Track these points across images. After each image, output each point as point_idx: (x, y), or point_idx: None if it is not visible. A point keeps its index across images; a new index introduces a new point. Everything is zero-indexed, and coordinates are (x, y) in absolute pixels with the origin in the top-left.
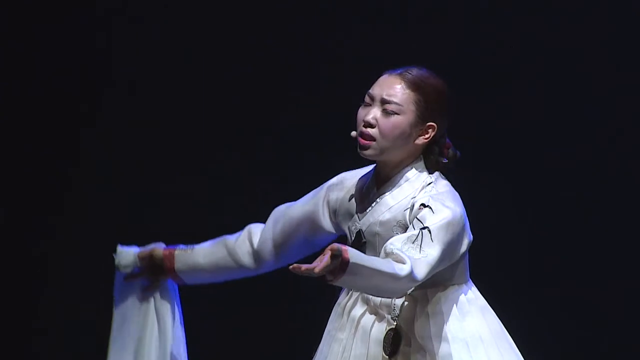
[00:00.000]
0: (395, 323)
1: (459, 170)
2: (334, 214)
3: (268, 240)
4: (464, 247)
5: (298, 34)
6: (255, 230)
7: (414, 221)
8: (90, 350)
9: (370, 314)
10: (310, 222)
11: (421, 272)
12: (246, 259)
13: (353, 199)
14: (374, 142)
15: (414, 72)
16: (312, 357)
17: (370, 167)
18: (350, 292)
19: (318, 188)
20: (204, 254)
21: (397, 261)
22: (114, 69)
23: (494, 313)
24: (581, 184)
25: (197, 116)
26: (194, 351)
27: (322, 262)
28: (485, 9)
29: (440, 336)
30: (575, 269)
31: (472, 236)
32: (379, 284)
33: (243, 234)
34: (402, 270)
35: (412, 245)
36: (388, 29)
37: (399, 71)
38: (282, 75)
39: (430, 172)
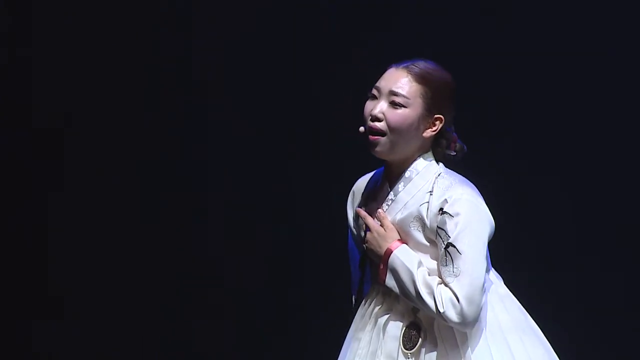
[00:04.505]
0: (415, 316)
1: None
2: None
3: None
4: (489, 232)
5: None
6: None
7: (438, 230)
8: None
9: (386, 310)
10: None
11: (466, 299)
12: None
13: (366, 200)
14: (383, 138)
15: (420, 65)
16: None
17: (381, 168)
18: (371, 298)
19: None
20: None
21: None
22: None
23: (516, 301)
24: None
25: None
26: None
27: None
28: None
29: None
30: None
31: (493, 220)
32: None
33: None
34: (440, 307)
35: (445, 268)
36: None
37: (405, 64)
38: None
39: (437, 163)
